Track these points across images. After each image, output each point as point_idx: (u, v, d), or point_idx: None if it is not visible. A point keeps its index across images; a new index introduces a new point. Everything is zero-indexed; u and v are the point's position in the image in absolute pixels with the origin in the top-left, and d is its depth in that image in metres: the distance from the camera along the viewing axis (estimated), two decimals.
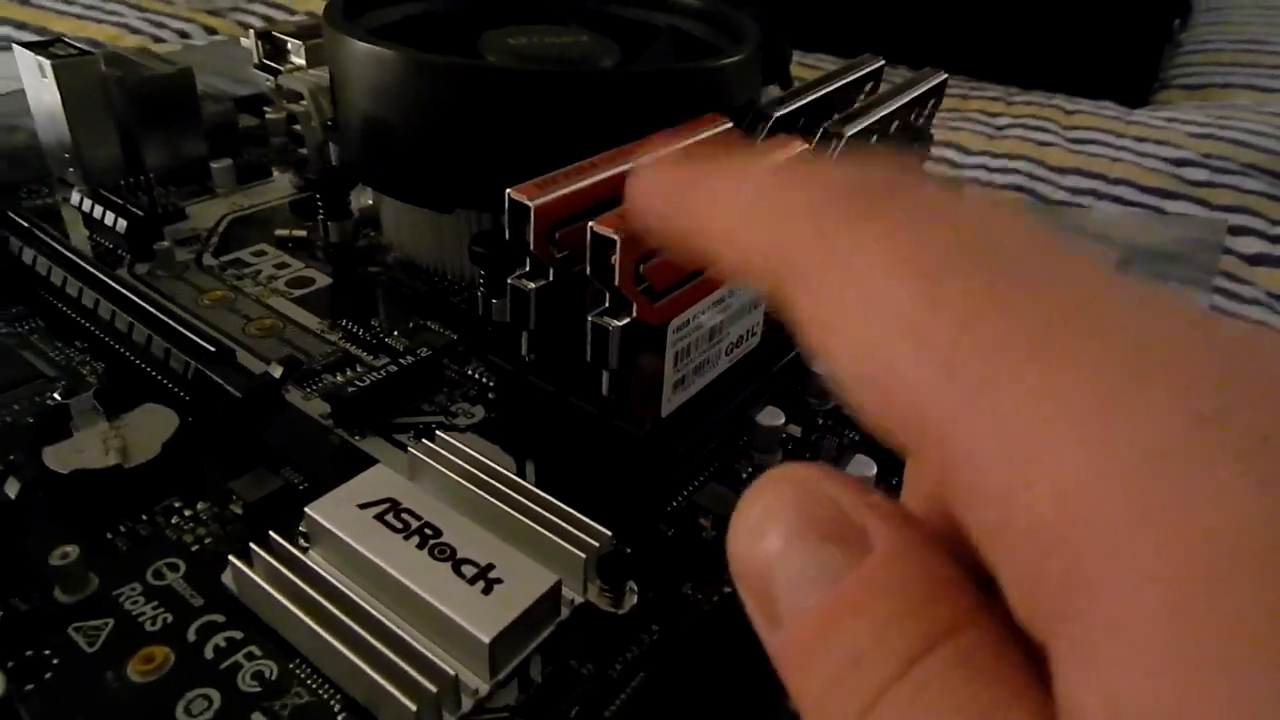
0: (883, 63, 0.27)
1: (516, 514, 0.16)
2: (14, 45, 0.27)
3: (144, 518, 0.17)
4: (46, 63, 0.26)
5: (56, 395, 0.19)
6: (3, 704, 0.12)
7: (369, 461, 0.18)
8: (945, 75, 0.27)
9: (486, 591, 0.14)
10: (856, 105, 0.24)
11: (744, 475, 0.19)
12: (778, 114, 0.22)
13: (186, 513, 0.17)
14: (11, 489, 0.15)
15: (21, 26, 0.68)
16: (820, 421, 0.21)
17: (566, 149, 0.19)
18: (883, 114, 0.23)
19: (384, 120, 0.22)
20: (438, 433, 0.17)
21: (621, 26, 0.29)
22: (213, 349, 0.19)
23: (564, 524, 0.16)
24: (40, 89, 0.27)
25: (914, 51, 0.70)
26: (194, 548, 0.16)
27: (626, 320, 0.16)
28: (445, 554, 0.15)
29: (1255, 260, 0.45)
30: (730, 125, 0.21)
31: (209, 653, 0.14)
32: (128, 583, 0.15)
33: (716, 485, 0.19)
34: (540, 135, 0.21)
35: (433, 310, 0.24)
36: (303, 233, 0.27)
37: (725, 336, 0.20)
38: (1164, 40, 0.66)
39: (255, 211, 0.29)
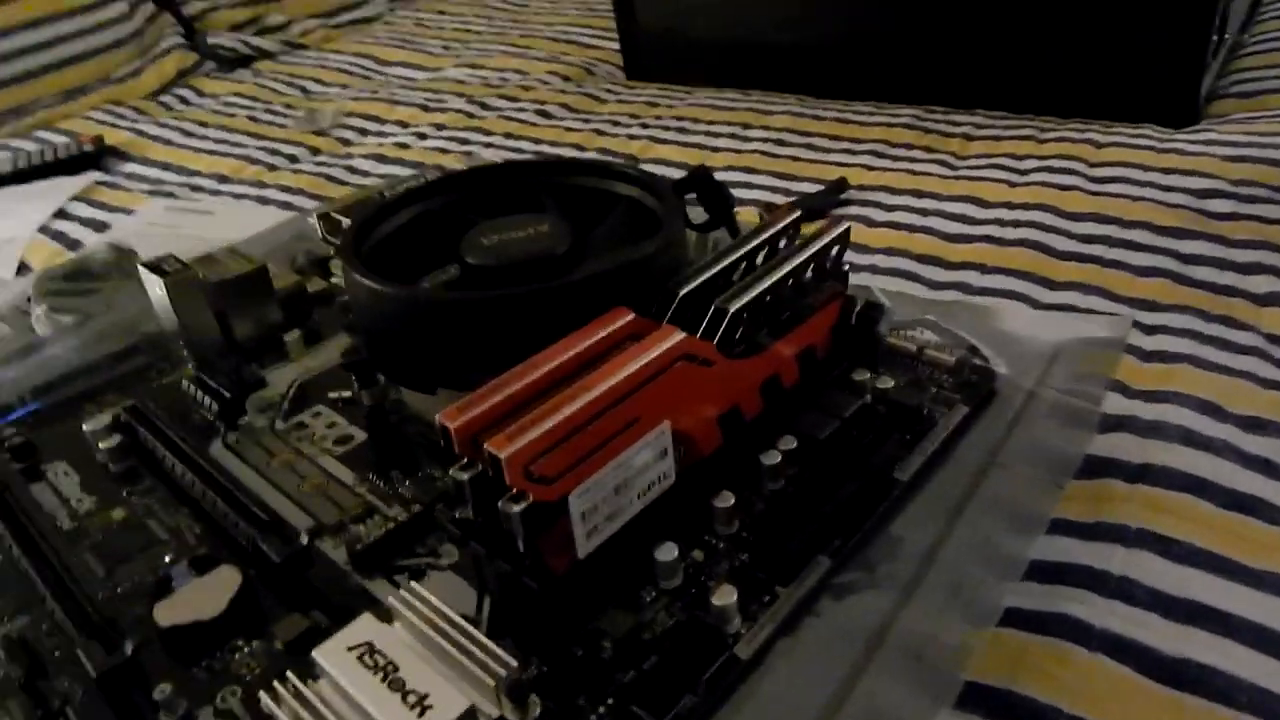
0: (799, 214, 0.32)
1: (451, 648, 0.22)
2: (139, 266, 0.36)
3: (217, 654, 0.24)
4: (160, 280, 0.35)
5: (167, 558, 0.27)
6: None
7: (374, 602, 0.25)
8: (848, 225, 0.31)
9: (421, 715, 0.21)
10: (750, 275, 0.29)
11: (647, 600, 0.25)
12: (682, 292, 0.28)
13: (245, 649, 0.24)
14: (129, 648, 0.23)
15: (167, 167, 0.81)
16: (719, 546, 0.26)
17: (511, 347, 0.26)
18: (774, 280, 0.28)
19: (370, 324, 0.29)
20: (410, 583, 0.24)
21: (587, 197, 0.35)
22: (265, 518, 0.27)
23: (483, 655, 0.22)
24: (157, 296, 0.36)
25: (952, 88, 0.72)
26: (248, 678, 0.23)
27: (525, 505, 0.22)
28: (398, 686, 0.21)
29: (1265, 300, 0.46)
30: (631, 317, 0.27)
31: None
32: (203, 706, 0.23)
33: (621, 611, 0.24)
34: (485, 339, 0.27)
35: (437, 459, 0.31)
36: (349, 393, 0.34)
37: (633, 487, 0.26)
38: (1203, 53, 0.65)
39: (319, 373, 0.37)
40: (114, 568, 0.27)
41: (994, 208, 0.57)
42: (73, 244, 0.68)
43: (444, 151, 0.77)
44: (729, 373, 0.28)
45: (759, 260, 0.31)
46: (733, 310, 0.27)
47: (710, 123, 0.76)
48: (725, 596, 0.23)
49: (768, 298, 0.29)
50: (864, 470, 0.28)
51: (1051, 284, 0.48)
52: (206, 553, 0.27)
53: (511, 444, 0.22)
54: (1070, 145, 0.63)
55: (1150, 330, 0.43)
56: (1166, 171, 0.58)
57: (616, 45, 0.91)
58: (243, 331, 0.38)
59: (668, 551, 0.25)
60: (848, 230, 0.31)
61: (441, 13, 1.17)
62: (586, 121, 0.80)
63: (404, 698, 0.21)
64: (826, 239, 0.31)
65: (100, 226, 0.70)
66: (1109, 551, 0.32)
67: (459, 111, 0.85)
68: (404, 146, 0.79)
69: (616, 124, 0.78)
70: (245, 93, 0.97)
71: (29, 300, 0.58)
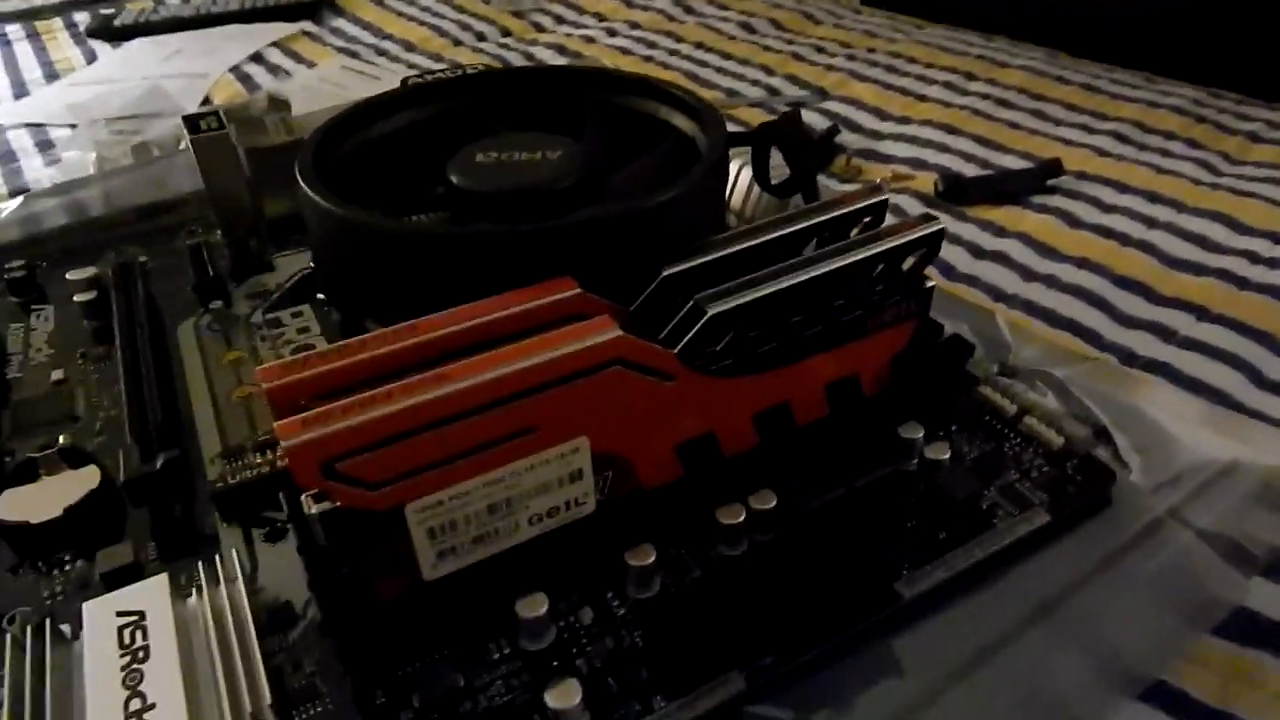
0: (886, 197, 0.23)
1: (218, 656, 0.18)
2: (180, 118, 0.34)
3: (40, 565, 0.22)
4: (188, 137, 0.33)
5: (61, 438, 0.25)
6: None
7: (214, 550, 0.21)
8: (941, 226, 0.22)
9: None
10: (776, 267, 0.21)
11: (495, 657, 0.19)
12: (666, 272, 0.21)
13: (69, 566, 0.21)
14: None
15: (368, 27, 0.81)
16: (620, 613, 0.20)
17: (441, 294, 0.20)
18: (803, 279, 0.21)
19: (312, 234, 0.25)
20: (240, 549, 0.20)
21: (635, 122, 0.28)
22: (145, 425, 0.23)
23: (243, 681, 0.17)
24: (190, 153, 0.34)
25: (1256, 69, 0.56)
26: (48, 601, 0.21)
27: (326, 507, 0.17)
28: (133, 680, 0.17)
29: None
30: (576, 292, 0.20)
31: None
32: None
33: (451, 665, 0.19)
34: (410, 279, 0.22)
35: None
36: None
37: (520, 509, 0.20)
38: None
39: None
40: (19, 430, 0.26)
41: (1252, 235, 0.43)
42: (254, 88, 0.70)
43: (625, 53, 0.71)
44: (699, 391, 0.20)
45: (812, 247, 0.23)
46: (711, 313, 0.19)
47: (928, 65, 0.64)
48: (563, 698, 0.17)
49: (791, 302, 0.21)
50: (850, 570, 0.20)
51: None
52: (103, 444, 0.25)
53: (306, 432, 0.16)
54: None
55: None
56: None
57: None
58: (274, 208, 0.35)
59: (533, 605, 0.19)
60: (940, 232, 0.22)
61: None
62: (789, 43, 0.70)
63: (129, 699, 0.17)
64: (906, 237, 0.22)
65: (282, 75, 0.72)
66: None
67: (660, 12, 0.78)
68: (589, 41, 0.74)
69: (821, 50, 0.68)
70: None
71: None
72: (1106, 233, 0.44)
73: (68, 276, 0.31)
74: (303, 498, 0.17)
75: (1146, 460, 0.23)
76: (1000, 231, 0.45)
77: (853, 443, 0.23)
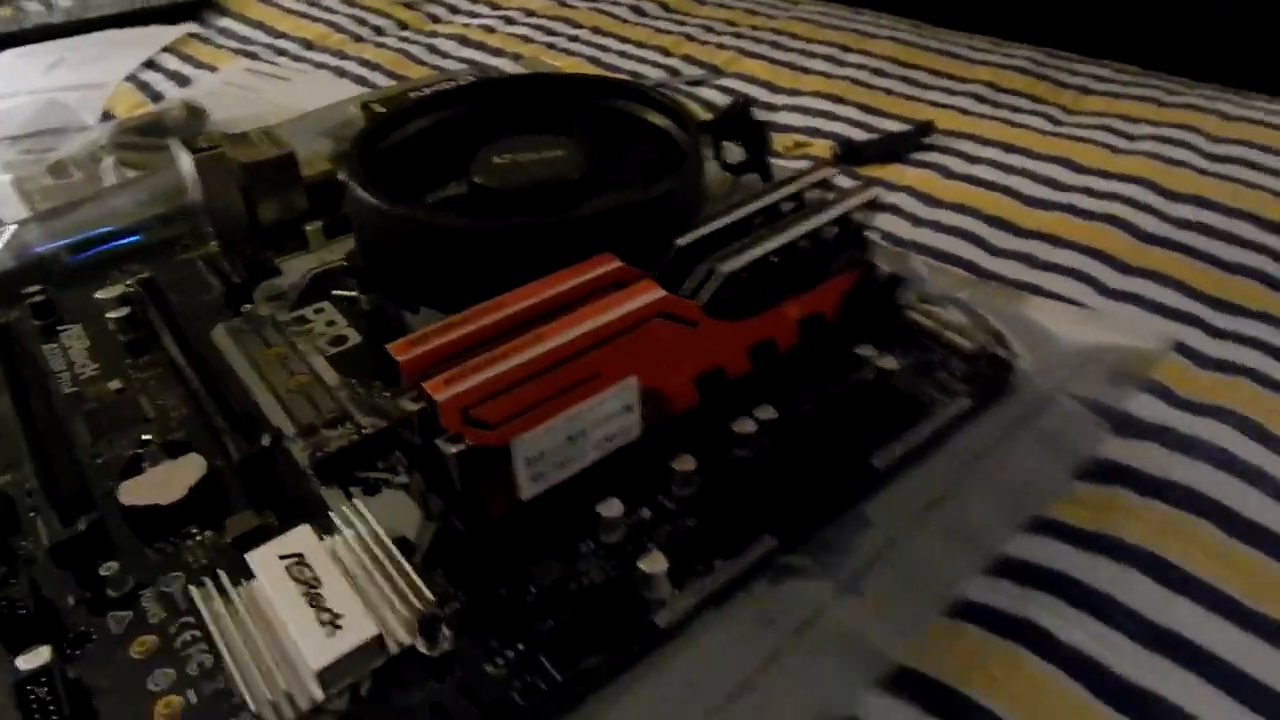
0: (836, 172, 0.30)
1: (376, 573, 0.22)
2: (170, 141, 0.37)
3: (172, 539, 0.25)
4: (189, 156, 0.35)
5: (146, 436, 0.28)
6: (50, 669, 0.21)
7: (326, 509, 0.26)
8: (876, 190, 0.29)
9: (330, 635, 0.21)
10: (760, 233, 0.27)
11: (585, 551, 0.25)
12: (679, 243, 0.27)
13: (198, 538, 0.25)
14: (82, 524, 0.24)
15: (258, 26, 0.82)
16: (671, 508, 0.26)
17: (498, 277, 0.25)
18: (782, 242, 0.27)
19: (360, 234, 0.29)
20: (361, 498, 0.24)
21: (616, 122, 0.33)
22: (237, 412, 0.27)
23: (404, 585, 0.22)
24: (188, 172, 0.36)
25: (1082, 30, 0.65)
26: (193, 566, 0.24)
27: (461, 448, 0.22)
28: (316, 602, 0.22)
29: None
30: (617, 265, 0.26)
31: (178, 644, 0.22)
32: (147, 587, 0.24)
33: (555, 560, 0.24)
34: (472, 267, 0.27)
35: None
36: (354, 294, 0.34)
37: (589, 438, 0.25)
38: None
39: (333, 266, 0.37)
40: (99, 438, 0.29)
41: (1088, 174, 0.52)
42: (155, 96, 0.69)
43: (527, 40, 0.75)
44: (713, 333, 0.26)
45: (779, 213, 0.29)
46: (725, 272, 0.25)
47: (809, 40, 0.71)
48: (653, 564, 0.23)
49: (774, 259, 0.27)
50: (837, 453, 0.27)
51: (1126, 269, 0.44)
52: (183, 437, 0.28)
53: (450, 388, 0.21)
54: (1194, 114, 0.56)
55: (1220, 335, 0.39)
56: None
57: None
58: (267, 216, 0.38)
59: (611, 507, 0.25)
60: (875, 197, 0.29)
61: None
62: (680, 24, 0.76)
63: (318, 615, 0.21)
64: (851, 203, 0.28)
65: (184, 81, 0.72)
66: (1097, 564, 0.30)
67: None
68: (489, 30, 0.77)
69: (710, 30, 0.74)
70: None
71: (101, 149, 0.60)
72: (974, 180, 0.52)
73: (96, 296, 0.33)
74: (437, 442, 0.22)
75: (1034, 354, 0.31)
76: (890, 187, 0.52)
77: (823, 364, 0.29)
